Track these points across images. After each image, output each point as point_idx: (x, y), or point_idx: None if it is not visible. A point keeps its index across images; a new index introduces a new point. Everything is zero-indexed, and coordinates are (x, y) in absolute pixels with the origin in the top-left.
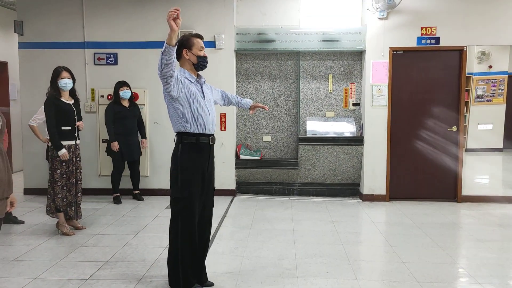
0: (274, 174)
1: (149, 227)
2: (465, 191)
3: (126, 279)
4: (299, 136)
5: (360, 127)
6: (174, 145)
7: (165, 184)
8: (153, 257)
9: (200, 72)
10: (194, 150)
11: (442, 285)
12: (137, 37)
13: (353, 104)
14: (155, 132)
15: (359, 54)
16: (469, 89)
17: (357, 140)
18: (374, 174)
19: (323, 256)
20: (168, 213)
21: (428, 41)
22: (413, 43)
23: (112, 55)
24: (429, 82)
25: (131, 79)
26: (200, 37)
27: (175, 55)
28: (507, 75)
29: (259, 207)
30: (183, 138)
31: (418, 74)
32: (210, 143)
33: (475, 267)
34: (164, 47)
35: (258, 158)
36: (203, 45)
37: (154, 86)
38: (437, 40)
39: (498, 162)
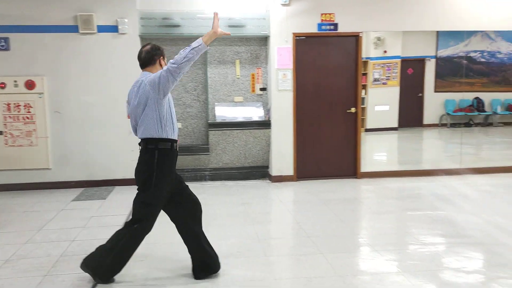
0: (186, 161)
1: (54, 221)
2: (365, 167)
3: (30, 276)
4: (209, 121)
5: (267, 111)
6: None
7: (70, 176)
8: (59, 251)
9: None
10: (169, 157)
11: (344, 255)
12: (32, 21)
13: (260, 89)
14: (56, 122)
15: (264, 40)
16: (367, 72)
17: (265, 124)
18: (282, 156)
19: (235, 237)
20: (75, 205)
21: (328, 27)
22: (314, 29)
23: (3, 40)
24: (329, 67)
25: (26, 66)
26: None
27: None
28: (400, 59)
29: None
30: (159, 144)
31: (320, 59)
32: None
33: (373, 237)
34: (198, 44)
35: None
36: None
37: (55, 72)
38: (336, 26)
39: (393, 140)
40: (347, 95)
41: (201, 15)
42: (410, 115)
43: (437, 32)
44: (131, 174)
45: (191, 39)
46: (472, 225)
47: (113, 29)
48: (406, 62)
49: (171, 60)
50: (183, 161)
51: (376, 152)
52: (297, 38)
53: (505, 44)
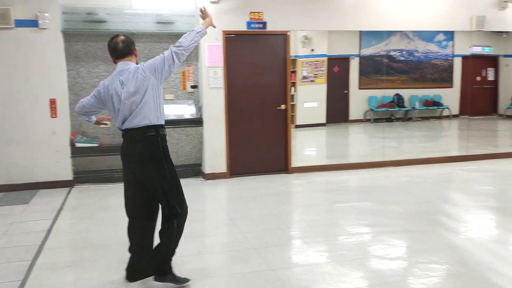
0: (115, 161)
1: None
2: (295, 163)
3: None
4: None
5: (199, 108)
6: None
7: None
8: None
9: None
10: (166, 141)
11: (276, 248)
12: None
13: (192, 87)
14: None
15: None
16: (296, 70)
17: (197, 122)
18: (215, 153)
19: None
20: None
21: (257, 25)
22: (243, 27)
23: None
24: (259, 64)
25: None
26: None
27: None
28: (326, 58)
29: (99, 196)
30: (159, 130)
31: (250, 57)
32: None
33: (304, 229)
34: (201, 29)
35: (97, 145)
36: None
37: None
38: (264, 24)
39: (322, 135)
40: (277, 92)
41: (128, 10)
42: (337, 111)
43: (360, 32)
44: (56, 176)
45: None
46: (394, 214)
47: (33, 23)
48: (332, 60)
49: (174, 45)
50: (112, 161)
51: (306, 147)
52: (227, 36)
53: (421, 43)
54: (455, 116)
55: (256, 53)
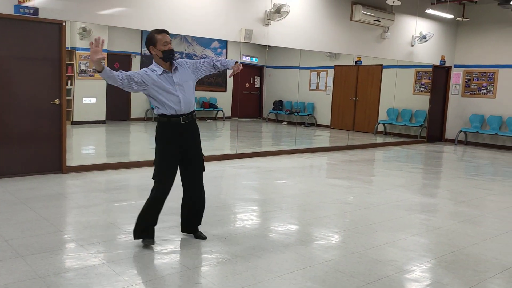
0: None
1: None
2: (71, 162)
3: None
4: None
5: None
6: None
7: None
8: None
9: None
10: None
11: (46, 254)
12: None
13: None
14: None
15: None
16: (73, 63)
17: None
18: None
19: None
20: None
21: (26, 10)
22: (10, 11)
23: None
24: (30, 54)
25: None
26: (164, 31)
27: (113, 74)
28: (106, 53)
29: None
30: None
31: (18, 45)
32: (182, 122)
33: (78, 232)
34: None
35: None
36: (167, 39)
37: None
38: (36, 11)
39: (102, 133)
40: (50, 85)
41: None
42: (118, 108)
43: (142, 31)
44: None
45: None
46: (173, 210)
47: None
48: (113, 56)
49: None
50: None
51: (84, 145)
52: None
53: (199, 48)
54: (227, 117)
55: (26, 42)
